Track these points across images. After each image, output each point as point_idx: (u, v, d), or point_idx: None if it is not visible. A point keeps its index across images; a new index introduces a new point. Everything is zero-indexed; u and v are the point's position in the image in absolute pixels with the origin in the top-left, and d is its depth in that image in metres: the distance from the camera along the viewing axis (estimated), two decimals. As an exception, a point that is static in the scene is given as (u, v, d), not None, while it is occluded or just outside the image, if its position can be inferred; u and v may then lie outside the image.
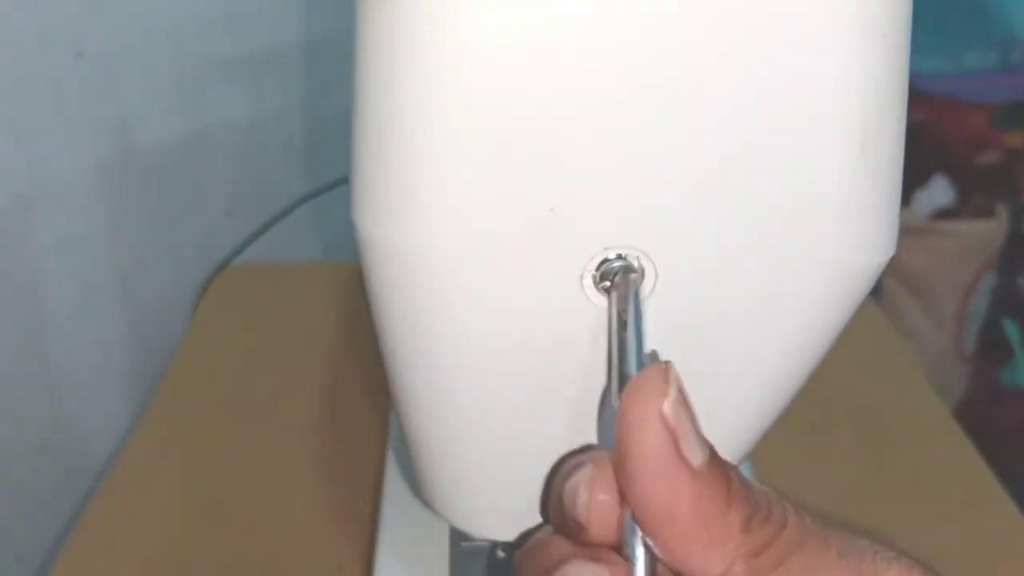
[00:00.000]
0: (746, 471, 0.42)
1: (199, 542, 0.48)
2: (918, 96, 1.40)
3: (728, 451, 0.26)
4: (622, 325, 0.21)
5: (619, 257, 0.22)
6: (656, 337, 0.23)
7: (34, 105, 0.62)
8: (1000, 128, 1.30)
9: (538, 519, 0.24)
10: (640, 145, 0.21)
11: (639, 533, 0.18)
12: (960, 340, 1.22)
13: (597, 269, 0.22)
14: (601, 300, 0.22)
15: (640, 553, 0.18)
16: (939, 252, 1.16)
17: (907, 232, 1.16)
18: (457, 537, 0.36)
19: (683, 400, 0.19)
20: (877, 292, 1.19)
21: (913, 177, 1.18)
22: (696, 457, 0.18)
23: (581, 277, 0.22)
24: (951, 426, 0.57)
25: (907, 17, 0.21)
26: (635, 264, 0.22)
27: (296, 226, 0.77)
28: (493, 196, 0.21)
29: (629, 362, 0.20)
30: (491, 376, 0.23)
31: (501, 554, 0.32)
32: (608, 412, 0.23)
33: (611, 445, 0.19)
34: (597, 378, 0.23)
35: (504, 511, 0.25)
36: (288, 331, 0.66)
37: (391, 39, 0.21)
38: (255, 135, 0.79)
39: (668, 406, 0.18)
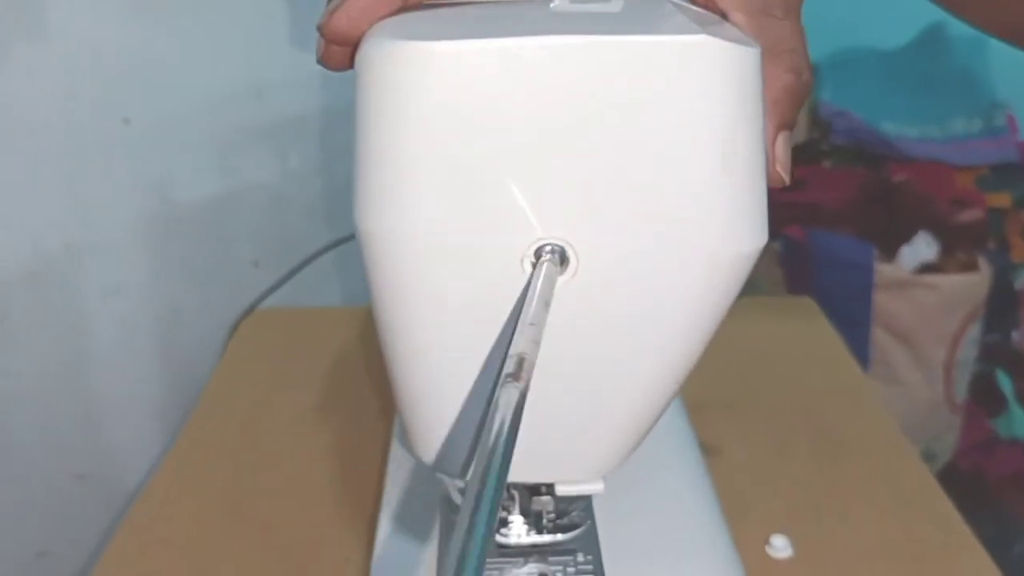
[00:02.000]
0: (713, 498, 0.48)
1: (221, 542, 0.55)
2: (905, 159, 1.47)
3: (623, 435, 0.33)
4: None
5: (550, 246, 0.29)
6: (576, 312, 0.30)
7: (86, 165, 0.71)
8: (984, 189, 1.37)
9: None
10: (559, 164, 0.28)
11: None
12: (950, 389, 1.27)
13: (534, 254, 0.29)
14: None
15: None
16: (924, 304, 1.21)
17: (893, 285, 1.22)
18: (446, 510, 0.42)
19: None
20: (864, 343, 1.25)
21: (898, 233, 1.25)
22: None
23: (521, 260, 0.29)
24: (896, 436, 0.63)
25: (755, 67, 0.28)
26: (563, 250, 0.29)
27: (316, 276, 0.85)
28: (453, 198, 0.28)
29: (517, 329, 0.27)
30: (456, 337, 0.30)
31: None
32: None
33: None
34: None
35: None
36: (307, 367, 0.73)
37: (377, 94, 0.29)
38: (280, 195, 0.87)
39: None
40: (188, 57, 0.77)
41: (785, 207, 1.33)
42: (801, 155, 1.53)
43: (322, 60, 0.32)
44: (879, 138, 1.47)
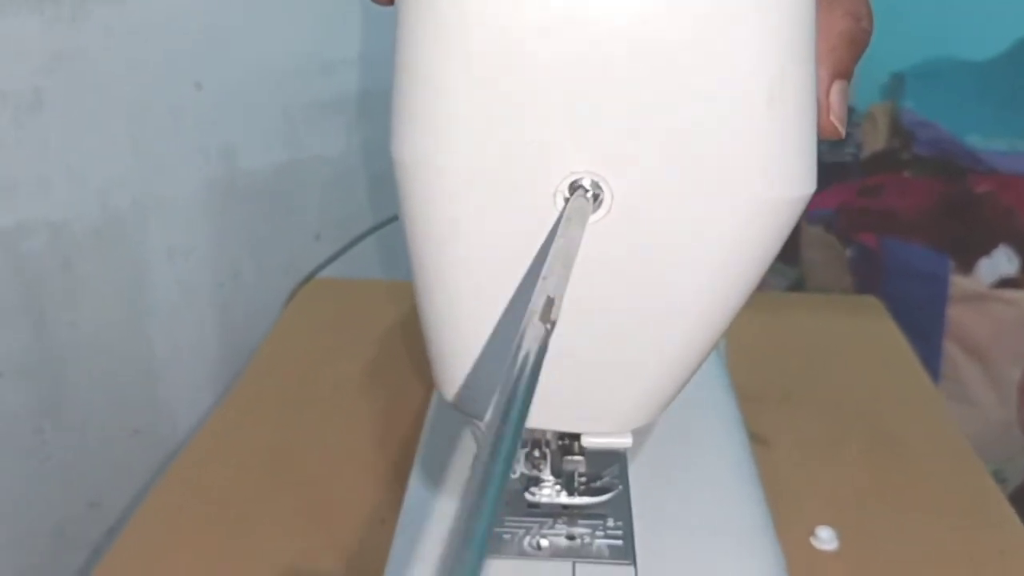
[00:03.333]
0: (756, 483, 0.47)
1: (259, 498, 0.55)
2: (989, 171, 1.42)
3: (655, 387, 0.32)
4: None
5: (584, 183, 0.28)
6: (609, 253, 0.29)
7: (155, 126, 0.72)
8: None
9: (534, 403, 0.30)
10: (597, 96, 0.27)
11: None
12: (1024, 411, 1.22)
13: (568, 188, 0.28)
14: (570, 213, 0.28)
15: None
16: (1001, 320, 1.17)
17: (969, 299, 1.18)
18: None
19: None
20: (935, 357, 1.21)
21: (977, 245, 1.20)
22: None
23: (554, 194, 0.29)
24: (959, 442, 0.60)
25: (807, 3, 0.27)
26: (598, 186, 0.28)
27: (377, 248, 0.85)
28: (488, 128, 0.28)
29: (549, 257, 0.26)
30: (485, 271, 0.30)
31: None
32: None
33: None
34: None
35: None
36: (360, 337, 0.73)
37: (417, 19, 0.28)
38: (345, 169, 0.88)
39: None
40: (261, 27, 0.78)
41: (859, 214, 1.30)
42: (881, 163, 1.49)
43: None
44: (964, 150, 1.43)
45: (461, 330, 0.31)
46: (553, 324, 0.25)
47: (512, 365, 0.23)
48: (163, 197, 0.75)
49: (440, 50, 0.28)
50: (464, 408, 0.33)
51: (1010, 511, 0.55)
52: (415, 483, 0.44)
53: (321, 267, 0.82)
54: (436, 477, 0.44)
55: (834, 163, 1.55)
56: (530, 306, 0.25)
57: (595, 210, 0.28)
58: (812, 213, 1.40)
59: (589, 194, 0.28)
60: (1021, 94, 1.52)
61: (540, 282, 0.26)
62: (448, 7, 0.27)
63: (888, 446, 0.60)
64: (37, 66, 0.65)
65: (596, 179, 0.28)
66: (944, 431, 0.62)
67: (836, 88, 0.30)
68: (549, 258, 0.27)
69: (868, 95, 1.61)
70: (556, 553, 0.39)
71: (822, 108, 0.29)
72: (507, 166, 0.28)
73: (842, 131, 0.30)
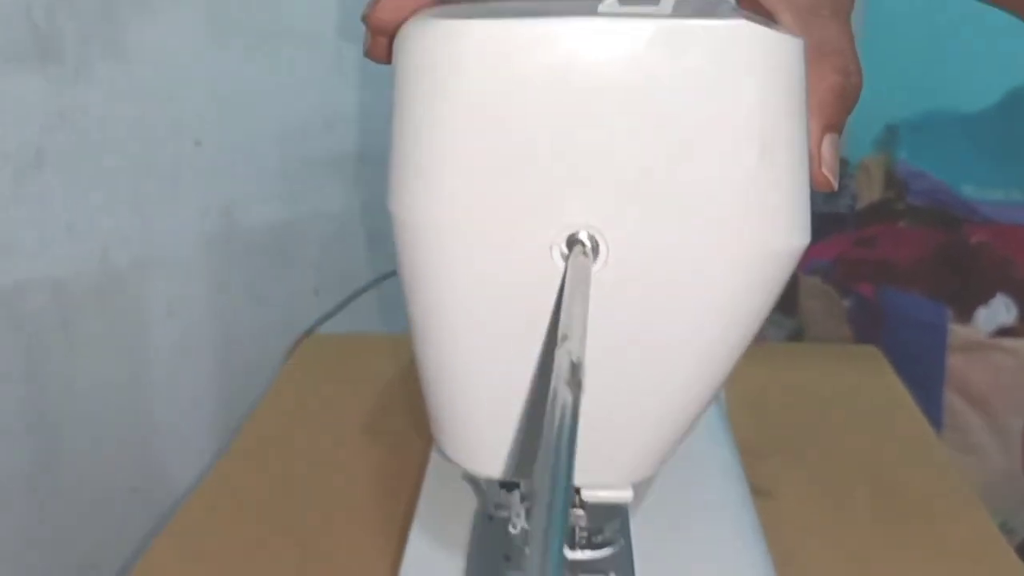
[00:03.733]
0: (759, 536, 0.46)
1: (258, 553, 0.54)
2: (983, 221, 1.43)
3: (654, 440, 0.32)
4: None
5: (581, 237, 0.28)
6: (607, 306, 0.29)
7: (157, 183, 0.73)
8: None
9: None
10: (593, 149, 0.28)
11: None
12: (1028, 460, 1.21)
13: (566, 243, 0.29)
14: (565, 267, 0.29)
15: None
16: (1001, 369, 1.17)
17: (969, 348, 1.18)
18: (481, 526, 0.41)
19: None
20: (936, 406, 1.20)
21: (974, 295, 1.21)
22: None
23: (551, 248, 0.29)
24: (964, 492, 0.60)
25: (797, 57, 0.28)
26: (595, 239, 0.28)
27: (375, 304, 0.85)
28: (483, 183, 0.28)
29: (562, 319, 0.26)
30: (484, 325, 0.30)
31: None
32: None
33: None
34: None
35: (499, 449, 0.31)
36: (359, 391, 0.73)
37: (413, 76, 0.29)
38: (344, 226, 0.88)
39: None
40: (262, 85, 0.79)
41: (856, 264, 1.30)
42: (877, 214, 1.50)
43: (368, 53, 0.33)
44: (958, 200, 1.44)
45: (460, 385, 0.31)
46: (580, 387, 0.25)
47: (548, 438, 0.23)
48: (163, 254, 0.75)
49: (435, 106, 0.28)
50: (468, 464, 0.32)
51: (1016, 561, 0.54)
52: (415, 538, 0.44)
53: (320, 322, 0.82)
54: (436, 532, 0.44)
55: (830, 214, 1.56)
56: (555, 371, 0.25)
57: (593, 262, 0.29)
58: (809, 263, 1.41)
59: (588, 248, 0.28)
60: (1013, 144, 1.54)
61: (560, 343, 0.26)
62: (443, 63, 0.28)
63: (892, 497, 0.59)
64: (39, 125, 0.66)
65: (593, 232, 0.28)
66: (948, 481, 0.61)
67: (827, 141, 0.30)
68: (563, 318, 0.27)
69: (862, 147, 1.62)
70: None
71: (814, 161, 0.30)
72: (503, 220, 0.28)
73: (834, 183, 0.31)
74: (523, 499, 0.39)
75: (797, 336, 1.45)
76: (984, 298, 1.20)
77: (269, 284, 0.84)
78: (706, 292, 0.29)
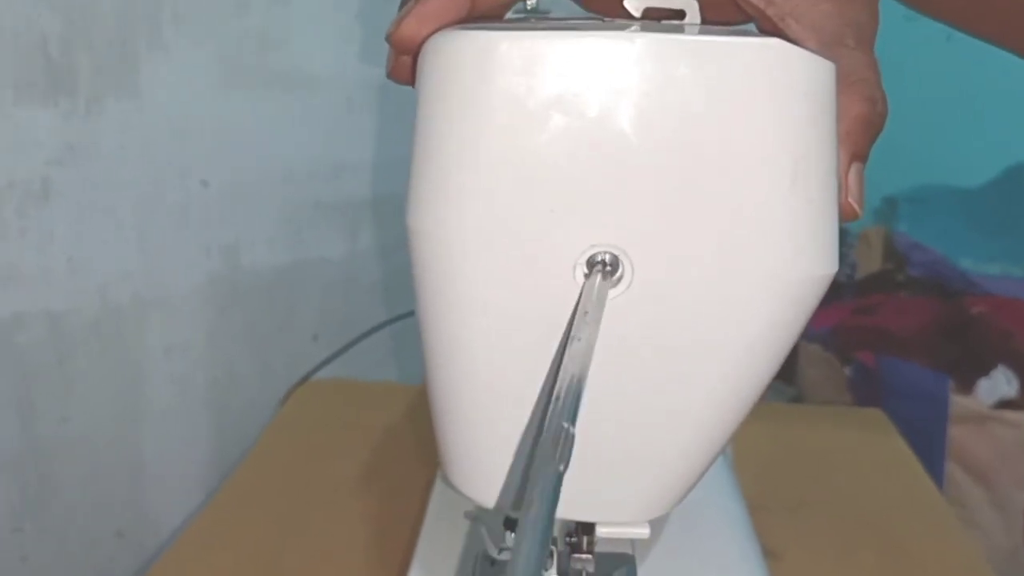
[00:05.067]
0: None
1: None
2: (982, 293, 1.42)
3: (673, 474, 0.31)
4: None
5: (603, 257, 0.28)
6: (629, 331, 0.28)
7: (162, 221, 0.73)
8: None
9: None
10: (618, 167, 0.27)
11: None
12: (1030, 536, 1.19)
13: (587, 263, 0.28)
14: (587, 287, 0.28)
15: None
16: (1003, 442, 1.15)
17: (969, 420, 1.17)
18: (481, 567, 0.40)
19: None
20: (937, 478, 1.18)
21: (975, 366, 1.20)
22: None
23: (574, 267, 0.28)
24: (971, 552, 0.58)
25: (829, 81, 0.27)
26: (617, 260, 0.28)
27: (373, 352, 0.84)
28: (504, 196, 0.28)
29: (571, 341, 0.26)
30: (500, 346, 0.29)
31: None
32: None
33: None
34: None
35: (510, 479, 0.30)
36: (355, 438, 0.71)
37: (436, 85, 0.28)
38: (346, 272, 0.88)
39: None
40: (271, 129, 0.79)
41: (856, 331, 1.30)
42: (876, 284, 1.50)
43: (391, 74, 0.32)
44: (957, 273, 1.44)
45: (473, 409, 0.30)
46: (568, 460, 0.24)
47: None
48: (164, 292, 0.74)
49: (459, 117, 0.28)
50: (474, 494, 0.31)
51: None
52: (414, 579, 0.42)
53: (318, 368, 0.81)
54: (435, 573, 0.42)
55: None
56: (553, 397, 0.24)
57: (615, 285, 0.28)
58: (808, 331, 1.40)
59: (607, 269, 0.28)
60: (1010, 220, 1.55)
61: (562, 371, 0.25)
62: (469, 74, 0.28)
63: (899, 557, 0.58)
64: (47, 157, 0.66)
65: (616, 253, 0.28)
66: (955, 542, 0.60)
67: (853, 170, 0.30)
68: (571, 342, 0.26)
69: (862, 219, 1.63)
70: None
71: (840, 189, 0.29)
72: (523, 237, 0.28)
73: (860, 212, 0.30)
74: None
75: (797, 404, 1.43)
76: (985, 369, 1.19)
77: (268, 327, 0.83)
78: (732, 319, 0.28)
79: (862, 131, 0.30)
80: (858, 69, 0.30)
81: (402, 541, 0.57)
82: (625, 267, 0.28)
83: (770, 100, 0.27)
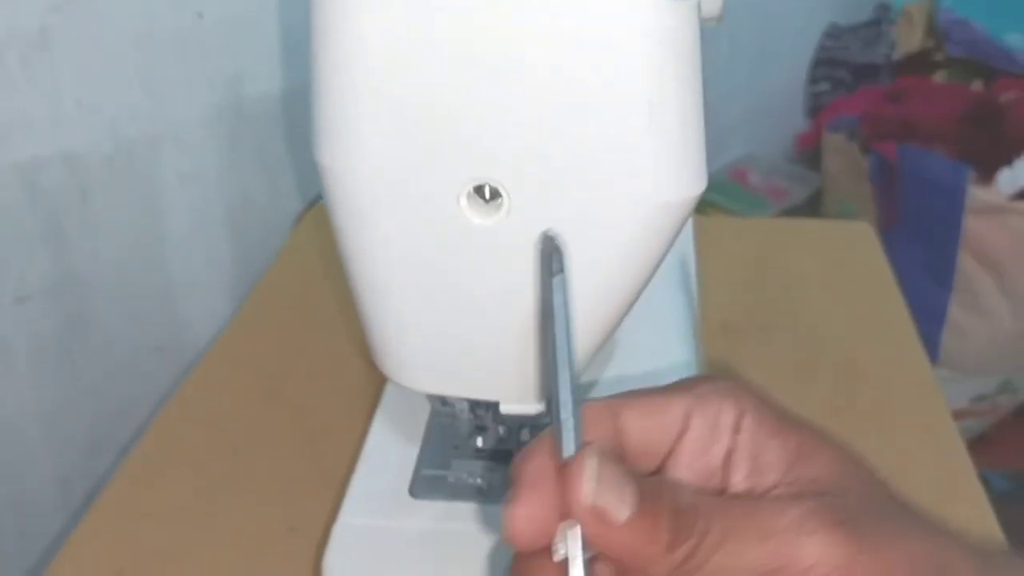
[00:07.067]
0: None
1: (257, 421, 0.60)
2: (1020, 72, 1.37)
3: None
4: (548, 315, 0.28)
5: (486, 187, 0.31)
6: (510, 252, 0.32)
7: (161, 58, 0.75)
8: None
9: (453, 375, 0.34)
10: (491, 102, 0.29)
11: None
12: (1037, 322, 1.22)
13: (471, 192, 0.31)
14: (472, 214, 0.31)
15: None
16: (1018, 232, 1.16)
17: (986, 210, 1.17)
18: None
19: (607, 477, 0.23)
20: (949, 267, 1.21)
21: (999, 156, 1.19)
22: (622, 514, 0.23)
23: (458, 196, 0.31)
24: (923, 372, 0.62)
25: (690, 20, 0.29)
26: (497, 192, 0.31)
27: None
28: (391, 132, 0.30)
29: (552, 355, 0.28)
30: (407, 259, 0.33)
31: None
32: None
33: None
34: (475, 265, 0.32)
35: (427, 365, 0.35)
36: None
37: (324, 25, 0.30)
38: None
39: (589, 496, 0.23)
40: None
41: (880, 122, 1.28)
42: (912, 66, 1.45)
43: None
44: (999, 50, 1.39)
45: (389, 313, 0.34)
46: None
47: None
48: (172, 126, 0.78)
49: (342, 53, 0.30)
50: (395, 379, 0.36)
51: (961, 447, 0.57)
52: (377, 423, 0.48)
53: (328, 191, 0.85)
54: (398, 419, 0.48)
55: (866, 64, 1.52)
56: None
57: (495, 212, 0.31)
58: (835, 119, 1.39)
59: (488, 199, 0.30)
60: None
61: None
62: (349, 8, 0.29)
63: (853, 378, 0.62)
64: (43, 5, 0.68)
65: (495, 184, 0.31)
66: (908, 362, 0.64)
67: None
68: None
69: (906, -8, 1.55)
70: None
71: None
72: (412, 171, 0.31)
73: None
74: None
75: (818, 193, 1.44)
76: (1009, 157, 1.18)
77: (279, 151, 0.86)
78: (601, 242, 0.31)
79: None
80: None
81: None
82: (504, 196, 0.31)
83: (623, 40, 0.28)
